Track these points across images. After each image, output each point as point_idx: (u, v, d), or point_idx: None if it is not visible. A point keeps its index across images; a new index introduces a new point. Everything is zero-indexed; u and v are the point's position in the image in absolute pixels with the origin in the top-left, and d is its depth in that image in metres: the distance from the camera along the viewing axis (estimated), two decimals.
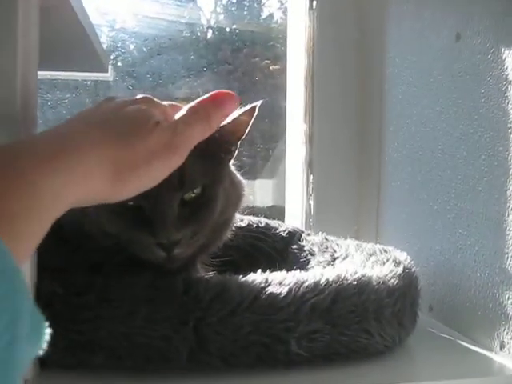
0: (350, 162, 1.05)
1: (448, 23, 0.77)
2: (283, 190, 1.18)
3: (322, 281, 0.60)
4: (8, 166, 0.37)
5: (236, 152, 0.66)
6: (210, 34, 1.27)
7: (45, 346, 0.34)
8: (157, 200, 0.56)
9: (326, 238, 0.84)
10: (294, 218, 1.11)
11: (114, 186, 0.44)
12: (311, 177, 1.07)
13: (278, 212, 1.20)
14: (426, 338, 0.72)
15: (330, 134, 1.06)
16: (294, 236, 0.87)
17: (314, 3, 1.05)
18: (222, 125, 0.57)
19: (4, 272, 0.30)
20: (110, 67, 1.00)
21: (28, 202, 0.36)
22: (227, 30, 1.29)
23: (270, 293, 0.58)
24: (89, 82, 1.13)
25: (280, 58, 1.23)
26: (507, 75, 0.65)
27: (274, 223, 0.90)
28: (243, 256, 0.81)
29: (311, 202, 1.07)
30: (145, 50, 1.15)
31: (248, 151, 1.30)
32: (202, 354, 0.56)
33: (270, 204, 1.36)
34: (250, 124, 0.62)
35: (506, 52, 0.65)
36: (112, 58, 1.13)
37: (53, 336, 0.54)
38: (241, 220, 0.87)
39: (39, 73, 0.64)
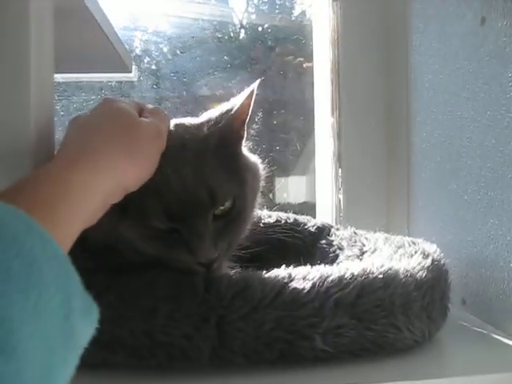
0: (379, 154, 1.04)
1: (472, 7, 0.75)
2: (314, 189, 1.17)
3: (347, 275, 0.58)
4: (46, 169, 0.45)
5: (245, 134, 0.67)
6: (242, 34, 1.26)
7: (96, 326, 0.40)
8: (191, 221, 0.58)
9: (355, 232, 0.83)
10: (324, 214, 1.10)
11: (131, 168, 0.52)
12: (340, 171, 1.06)
13: (309, 208, 1.19)
14: (457, 331, 0.70)
15: (358, 127, 1.04)
16: (323, 231, 0.86)
17: None
18: (227, 114, 0.62)
19: (56, 257, 0.35)
20: (134, 67, 1.00)
21: (64, 194, 0.42)
22: (259, 29, 1.28)
23: (293, 288, 0.57)
24: (113, 83, 1.13)
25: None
26: None
27: (302, 219, 0.89)
28: (272, 252, 0.80)
29: (340, 196, 1.06)
30: (178, 51, 1.16)
31: (282, 148, 1.29)
32: (225, 352, 0.55)
33: (302, 200, 1.35)
34: (252, 105, 0.64)
35: None
36: (146, 61, 1.15)
37: None
38: (269, 216, 0.87)
39: (64, 76, 0.65)
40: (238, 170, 0.64)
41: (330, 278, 0.58)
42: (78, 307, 0.36)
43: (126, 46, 0.94)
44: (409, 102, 0.96)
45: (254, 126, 0.69)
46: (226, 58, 1.19)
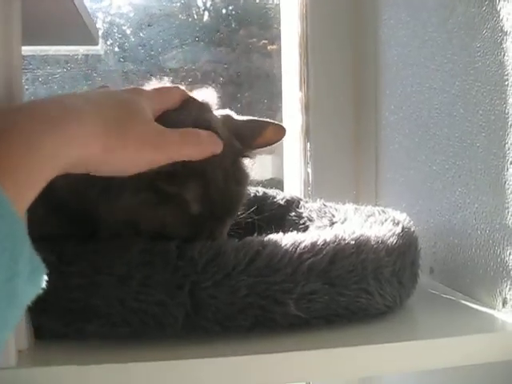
0: (347, 127, 1.05)
1: None
2: (282, 165, 1.18)
3: (320, 241, 0.59)
4: (11, 125, 0.41)
5: None
6: (206, 17, 1.25)
7: (43, 286, 0.39)
8: (223, 214, 0.64)
9: (325, 204, 0.83)
10: (293, 188, 1.11)
11: (103, 157, 0.49)
12: (308, 145, 1.06)
13: (276, 184, 1.19)
14: (427, 299, 0.71)
15: (326, 101, 1.05)
16: (292, 204, 0.86)
17: None
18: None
19: (3, 216, 0.33)
20: (100, 40, 0.98)
21: (28, 155, 0.40)
22: (223, 11, 1.27)
23: (267, 254, 0.57)
24: (80, 56, 1.11)
25: (277, 38, 1.21)
26: (502, 26, 0.63)
27: (271, 192, 0.89)
28: (242, 226, 0.81)
29: (309, 170, 1.06)
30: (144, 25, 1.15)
31: None
32: (198, 319, 0.55)
33: (269, 177, 1.36)
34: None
35: (502, 2, 0.63)
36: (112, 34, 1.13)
37: (47, 304, 0.53)
38: None
39: (29, 48, 0.63)
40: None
41: (303, 245, 0.58)
42: (25, 270, 0.35)
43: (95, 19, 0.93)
44: (377, 74, 0.96)
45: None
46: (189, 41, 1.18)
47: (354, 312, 0.59)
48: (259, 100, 1.24)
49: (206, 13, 1.20)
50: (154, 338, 0.56)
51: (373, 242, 0.61)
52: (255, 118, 0.71)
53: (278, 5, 1.14)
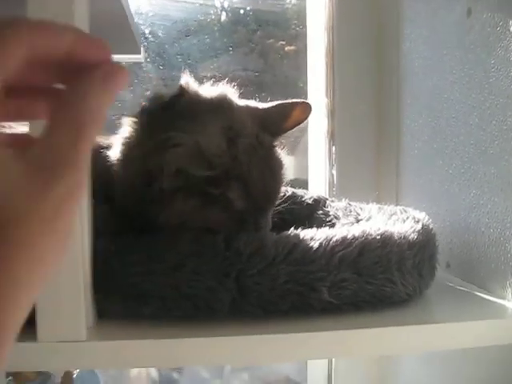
0: (370, 132, 1.12)
1: (460, 0, 0.82)
2: (304, 165, 1.25)
3: (349, 236, 0.66)
4: None
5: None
6: (223, 17, 1.32)
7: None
8: (265, 208, 0.73)
9: (350, 203, 0.90)
10: (317, 188, 1.18)
11: None
12: (333, 148, 1.14)
13: (300, 184, 1.26)
14: (444, 290, 0.78)
15: (351, 107, 1.12)
16: (319, 203, 0.93)
17: None
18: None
19: None
20: (142, 49, 1.06)
21: None
22: (241, 12, 1.34)
23: (303, 247, 0.64)
24: (123, 63, 1.20)
25: (295, 38, 1.28)
26: None
27: (300, 192, 0.96)
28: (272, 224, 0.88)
29: (334, 171, 1.14)
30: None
31: None
32: (243, 303, 0.62)
33: (293, 177, 1.43)
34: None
35: None
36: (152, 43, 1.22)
37: (109, 289, 0.61)
38: None
39: None
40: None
41: (335, 239, 0.66)
42: None
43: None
44: (399, 84, 1.03)
45: None
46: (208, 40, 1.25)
47: (379, 299, 0.66)
48: None
49: (239, 27, 1.28)
50: (204, 321, 0.63)
51: (396, 238, 0.68)
52: (280, 102, 0.77)
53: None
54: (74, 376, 2.16)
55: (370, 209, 0.85)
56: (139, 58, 1.10)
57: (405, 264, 0.67)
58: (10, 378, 2.01)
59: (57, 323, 0.58)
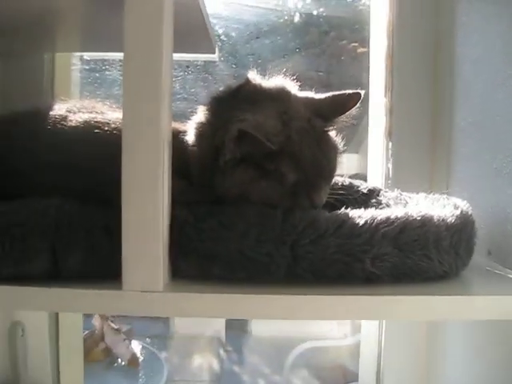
0: (425, 130, 1.20)
1: (509, 8, 0.90)
2: (365, 163, 1.34)
3: (392, 216, 0.75)
4: None
5: None
6: (297, 18, 1.41)
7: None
8: (317, 181, 0.82)
9: (401, 193, 0.98)
10: (375, 181, 1.27)
11: None
12: (390, 144, 1.22)
13: (361, 178, 1.35)
14: (482, 272, 0.86)
15: (407, 107, 1.20)
16: (373, 192, 1.02)
17: None
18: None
19: None
20: (216, 49, 1.17)
21: None
22: (314, 13, 1.43)
23: (351, 223, 0.74)
24: (199, 62, 1.33)
25: (367, 40, 1.37)
26: None
27: (356, 182, 1.04)
28: (329, 210, 0.97)
29: (390, 165, 1.22)
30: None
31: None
32: (297, 269, 0.72)
33: (354, 172, 1.52)
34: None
35: None
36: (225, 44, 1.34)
37: (184, 252, 0.73)
38: None
39: None
40: None
41: (379, 217, 0.74)
42: None
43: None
44: (452, 87, 1.11)
45: None
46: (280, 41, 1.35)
47: (416, 272, 0.74)
48: None
49: (311, 29, 1.38)
50: (263, 282, 0.73)
51: (435, 220, 0.76)
52: (333, 93, 0.87)
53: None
54: (140, 360, 2.30)
55: (418, 197, 0.93)
56: (214, 57, 1.21)
57: (441, 243, 0.75)
58: None
59: (139, 276, 0.69)
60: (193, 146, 0.83)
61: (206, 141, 0.81)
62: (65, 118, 0.87)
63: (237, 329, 2.52)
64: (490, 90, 0.95)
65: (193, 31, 0.96)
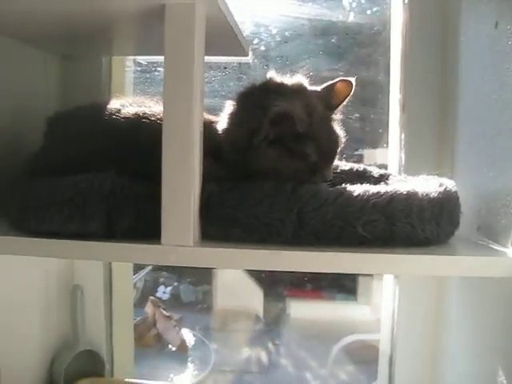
0: (434, 123, 1.34)
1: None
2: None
3: (382, 190, 0.90)
4: None
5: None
6: (351, 17, 1.54)
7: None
8: (328, 159, 1.00)
9: (406, 177, 1.13)
10: (392, 169, 1.42)
11: None
12: (402, 135, 1.37)
13: (385, 168, 1.50)
14: (466, 243, 0.99)
15: (418, 103, 1.35)
16: (383, 177, 1.15)
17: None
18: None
19: None
20: (250, 52, 1.34)
21: None
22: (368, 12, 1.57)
23: (347, 195, 0.89)
24: (234, 64, 1.51)
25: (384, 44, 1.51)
26: None
27: (370, 168, 1.18)
28: None
29: (402, 155, 1.37)
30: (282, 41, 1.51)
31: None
32: (301, 232, 0.88)
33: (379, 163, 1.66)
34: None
35: None
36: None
37: (210, 216, 0.89)
38: (345, 165, 1.19)
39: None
40: None
41: (371, 191, 0.89)
42: None
43: (246, 37, 1.29)
44: (457, 86, 1.23)
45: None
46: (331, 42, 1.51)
47: (402, 238, 0.88)
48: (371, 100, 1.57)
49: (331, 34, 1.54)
50: (273, 243, 0.88)
51: (419, 194, 0.90)
52: (328, 83, 1.03)
53: None
54: (190, 346, 2.45)
55: (416, 179, 1.07)
56: (247, 59, 1.38)
57: (424, 214, 0.89)
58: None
59: (174, 234, 0.87)
60: (224, 132, 1.00)
61: (238, 126, 0.98)
62: (119, 111, 1.06)
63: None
64: (492, 87, 1.05)
65: (224, 39, 1.12)
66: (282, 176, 0.94)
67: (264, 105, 0.94)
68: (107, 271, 1.57)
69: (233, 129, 1.00)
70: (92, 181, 0.93)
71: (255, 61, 1.50)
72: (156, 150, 0.88)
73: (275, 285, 2.56)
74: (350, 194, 0.90)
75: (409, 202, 0.89)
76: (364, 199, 0.89)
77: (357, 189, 0.91)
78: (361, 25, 1.57)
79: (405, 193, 0.91)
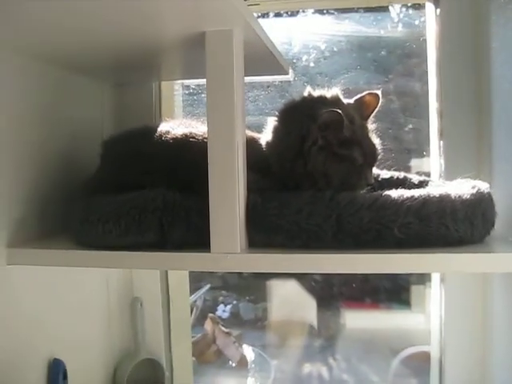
0: (471, 129, 1.38)
1: None
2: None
3: (416, 194, 0.95)
4: None
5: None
6: (400, 28, 1.60)
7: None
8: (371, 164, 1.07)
9: (444, 182, 1.18)
10: (434, 176, 1.46)
11: None
12: (441, 143, 1.42)
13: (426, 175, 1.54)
14: (504, 242, 1.02)
15: (456, 109, 1.39)
16: (423, 183, 1.19)
17: (438, 11, 1.39)
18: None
19: None
20: (290, 71, 1.41)
21: None
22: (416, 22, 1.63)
23: (383, 200, 0.94)
24: (277, 82, 1.59)
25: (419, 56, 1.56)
26: None
27: (410, 175, 1.22)
28: None
29: (442, 161, 1.42)
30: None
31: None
32: (340, 235, 0.93)
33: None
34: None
35: None
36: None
37: (254, 225, 0.96)
38: (386, 173, 1.24)
39: (245, 78, 1.06)
40: None
41: (405, 195, 0.94)
42: None
43: (286, 56, 1.36)
44: (491, 92, 1.28)
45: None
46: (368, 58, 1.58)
47: (437, 238, 0.92)
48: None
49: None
50: (314, 247, 0.94)
51: (452, 196, 0.95)
52: (357, 96, 1.10)
53: None
54: (249, 362, 2.48)
55: (451, 183, 1.11)
56: (289, 77, 1.45)
57: (457, 215, 0.93)
58: (194, 358, 2.46)
59: (222, 243, 0.95)
60: (269, 145, 1.08)
61: (286, 136, 1.05)
62: (168, 132, 1.14)
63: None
64: None
65: (264, 60, 1.18)
66: (332, 180, 1.01)
67: (310, 114, 1.02)
68: (164, 283, 1.66)
69: (280, 140, 1.07)
70: (146, 196, 1.01)
71: (296, 79, 1.58)
72: (203, 166, 0.96)
73: (331, 298, 2.59)
74: (385, 198, 0.95)
75: (442, 204, 0.94)
76: (399, 203, 0.94)
77: (392, 193, 0.96)
78: (394, 38, 1.63)
79: (438, 196, 0.95)
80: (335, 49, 1.58)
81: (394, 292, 2.48)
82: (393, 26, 1.63)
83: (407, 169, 1.68)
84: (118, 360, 1.62)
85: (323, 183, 1.01)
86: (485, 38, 1.31)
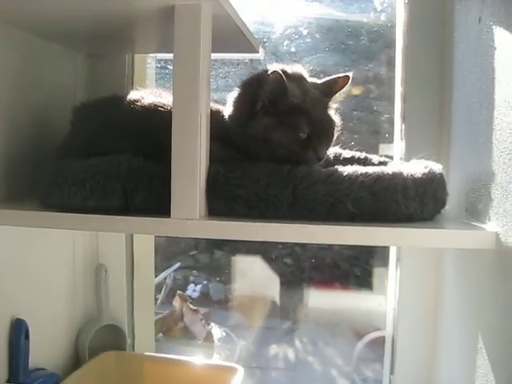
0: (432, 114, 1.42)
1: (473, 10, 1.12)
2: None
3: (370, 171, 0.99)
4: None
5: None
6: (383, 18, 1.63)
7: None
8: (322, 137, 1.07)
9: (401, 163, 1.23)
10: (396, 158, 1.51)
11: None
12: (403, 126, 1.46)
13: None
14: (456, 221, 1.07)
15: (419, 95, 1.44)
16: (382, 163, 1.25)
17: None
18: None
19: None
20: (260, 49, 1.44)
21: None
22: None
23: (338, 174, 0.98)
24: (246, 60, 1.62)
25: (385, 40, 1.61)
26: None
27: (371, 156, 1.26)
28: None
29: (403, 144, 1.47)
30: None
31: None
32: (296, 206, 0.98)
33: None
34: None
35: None
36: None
37: (215, 194, 1.00)
38: (347, 153, 1.28)
39: (215, 54, 1.09)
40: None
41: (359, 172, 0.99)
42: None
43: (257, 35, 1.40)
44: (452, 78, 1.32)
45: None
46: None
47: (387, 212, 0.97)
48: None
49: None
50: (270, 217, 0.98)
51: (405, 174, 0.99)
52: (329, 77, 1.13)
53: None
54: (215, 340, 2.48)
55: (408, 163, 1.16)
56: (259, 55, 1.49)
57: (408, 192, 0.97)
58: (161, 334, 2.49)
59: (182, 209, 0.98)
60: (230, 115, 1.11)
61: (242, 104, 1.10)
62: (137, 100, 1.17)
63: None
64: (481, 80, 1.11)
65: (233, 37, 1.21)
66: (272, 145, 1.05)
67: (263, 80, 1.05)
68: (129, 251, 1.70)
69: (237, 109, 1.11)
70: (112, 161, 1.05)
71: (266, 57, 1.62)
72: (168, 135, 0.99)
73: (294, 276, 2.64)
74: (340, 173, 1.00)
75: (394, 181, 0.98)
76: (353, 178, 0.98)
77: (347, 169, 1.01)
78: (364, 23, 1.67)
79: (390, 173, 1.00)
80: (306, 30, 1.62)
81: (360, 275, 2.53)
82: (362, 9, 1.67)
83: (375, 152, 1.72)
84: (81, 325, 1.66)
85: (263, 148, 1.05)
86: (449, 27, 1.35)
